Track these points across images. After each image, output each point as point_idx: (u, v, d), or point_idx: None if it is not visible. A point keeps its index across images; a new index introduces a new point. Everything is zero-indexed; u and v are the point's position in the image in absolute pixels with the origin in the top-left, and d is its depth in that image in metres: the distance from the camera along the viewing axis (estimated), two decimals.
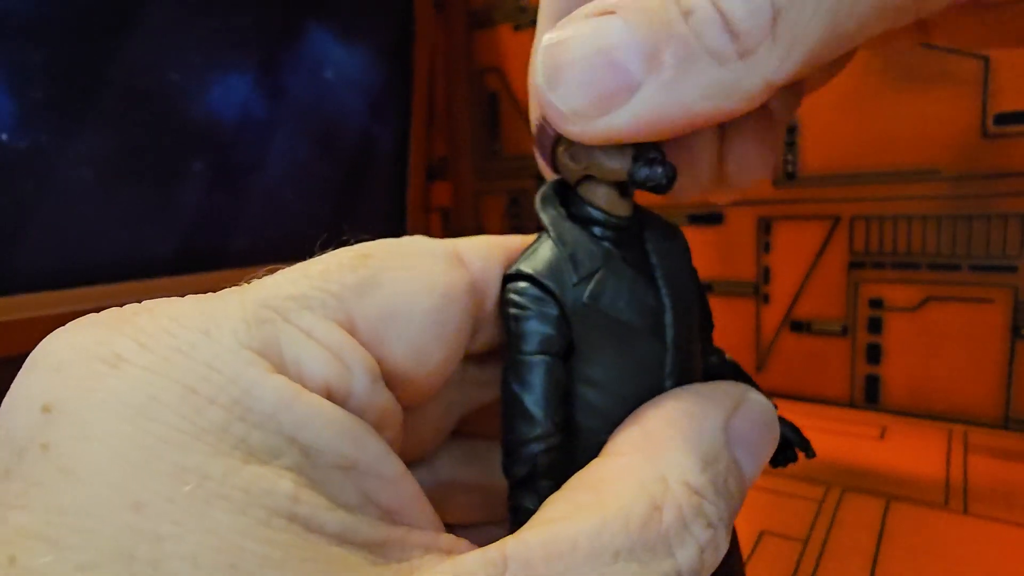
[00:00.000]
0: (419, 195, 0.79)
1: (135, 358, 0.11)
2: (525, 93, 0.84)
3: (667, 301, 0.15)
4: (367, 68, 0.70)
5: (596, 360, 0.15)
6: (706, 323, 0.18)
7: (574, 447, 0.15)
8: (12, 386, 0.11)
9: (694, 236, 0.56)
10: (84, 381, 0.10)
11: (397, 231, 0.78)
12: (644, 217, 0.16)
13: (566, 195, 0.17)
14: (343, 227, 0.73)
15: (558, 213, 0.16)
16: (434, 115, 0.83)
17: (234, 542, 0.09)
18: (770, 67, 0.12)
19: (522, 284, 0.15)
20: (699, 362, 0.16)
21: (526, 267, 0.15)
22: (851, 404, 0.67)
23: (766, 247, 0.61)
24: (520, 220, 0.89)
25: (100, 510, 0.09)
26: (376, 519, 0.11)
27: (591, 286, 0.15)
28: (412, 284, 0.14)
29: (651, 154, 0.14)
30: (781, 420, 0.17)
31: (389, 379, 0.14)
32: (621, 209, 0.16)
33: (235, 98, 0.57)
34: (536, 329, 0.15)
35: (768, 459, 0.16)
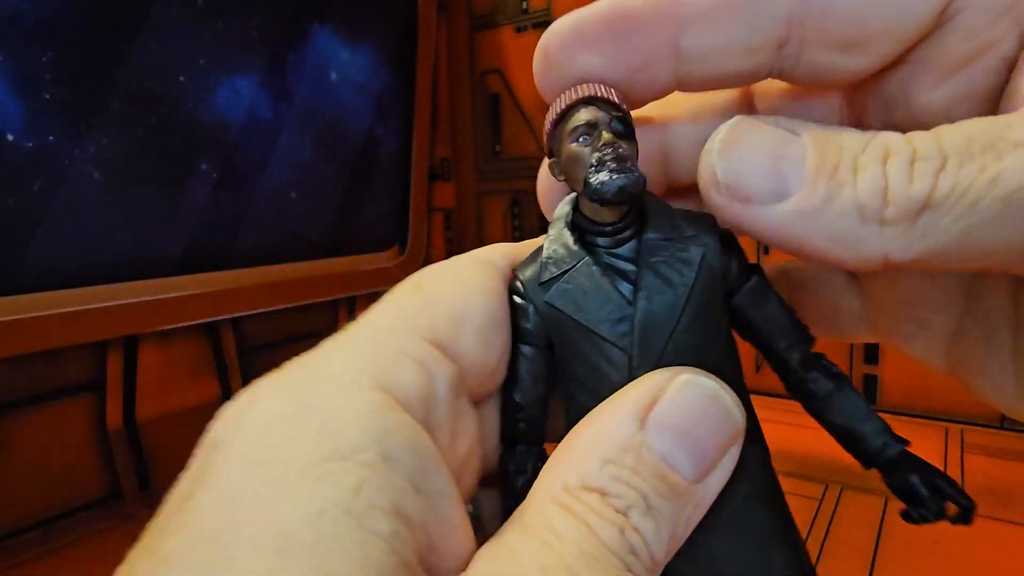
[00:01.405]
0: (422, 196, 0.79)
1: (268, 392, 0.13)
2: (526, 95, 0.84)
3: (639, 305, 0.15)
4: (371, 71, 0.71)
5: (572, 358, 0.16)
6: (767, 328, 0.17)
7: (567, 429, 0.16)
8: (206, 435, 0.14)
9: None
10: (235, 421, 0.13)
11: (400, 231, 0.79)
12: (655, 219, 0.16)
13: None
14: (347, 227, 0.73)
15: (562, 220, 0.17)
16: (437, 117, 0.84)
17: (287, 528, 0.11)
18: (896, 244, 0.13)
19: (513, 283, 0.16)
20: (710, 368, 0.16)
21: (517, 269, 0.17)
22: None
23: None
24: (521, 220, 0.90)
25: (212, 506, 0.11)
26: (423, 545, 0.12)
27: (553, 287, 0.16)
28: (464, 289, 0.16)
29: (604, 165, 0.15)
30: (925, 469, 0.16)
31: (469, 373, 0.15)
32: (604, 215, 0.16)
33: (241, 100, 0.57)
34: (519, 323, 0.16)
35: (725, 440, 0.15)
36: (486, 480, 0.17)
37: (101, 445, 0.52)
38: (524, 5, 0.78)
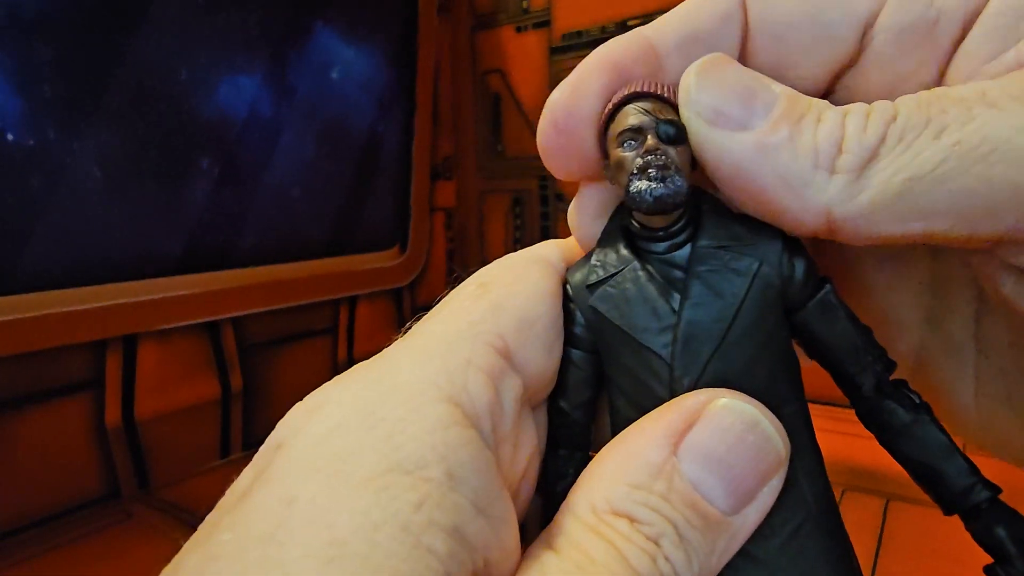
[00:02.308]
0: (423, 194, 0.79)
1: (335, 397, 0.13)
2: (528, 95, 0.84)
3: (685, 314, 0.15)
4: (373, 69, 0.70)
5: (616, 365, 0.16)
6: (836, 345, 0.16)
7: (610, 437, 0.15)
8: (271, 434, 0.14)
9: None
10: (300, 424, 0.13)
11: (401, 230, 0.79)
12: (708, 226, 0.16)
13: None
14: (348, 226, 0.73)
15: (618, 224, 0.17)
16: (438, 116, 0.84)
17: (341, 537, 0.11)
18: (840, 196, 0.13)
19: (565, 285, 0.16)
20: (757, 385, 0.15)
21: (569, 271, 0.17)
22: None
23: None
24: (523, 220, 0.89)
25: (267, 506, 0.11)
26: (479, 569, 0.12)
27: (598, 291, 0.16)
28: (529, 294, 0.16)
29: (645, 172, 0.15)
30: (1015, 521, 0.14)
31: (529, 380, 0.15)
32: (653, 221, 0.15)
33: (243, 97, 0.57)
34: (567, 325, 0.16)
35: (764, 469, 0.14)
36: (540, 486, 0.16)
37: (100, 444, 0.52)
38: (525, 5, 0.78)
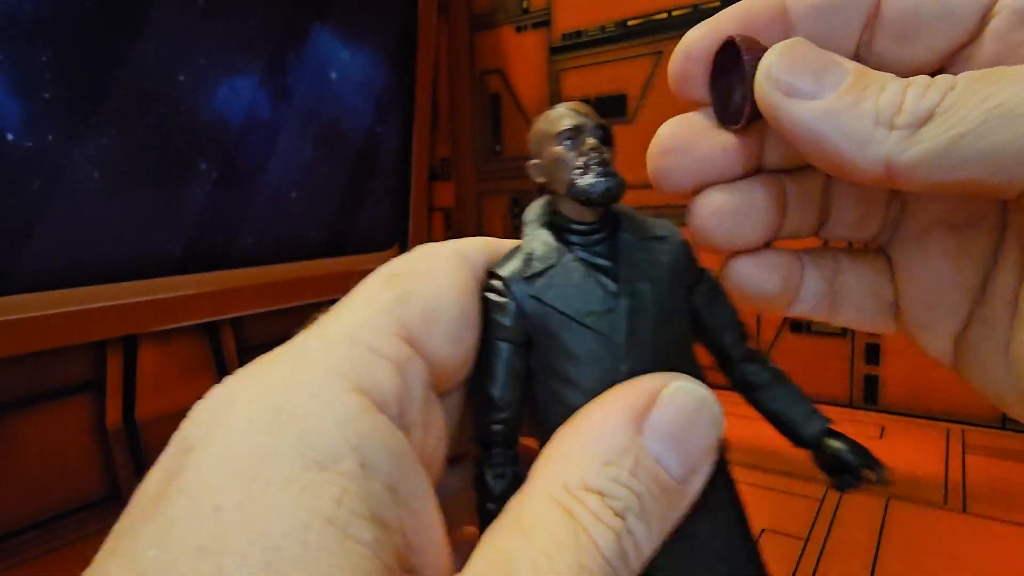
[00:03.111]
0: (422, 195, 0.79)
1: (243, 394, 0.13)
2: (527, 95, 0.85)
3: (623, 299, 0.16)
4: (371, 70, 0.70)
5: (557, 351, 0.16)
6: (716, 324, 0.18)
7: (547, 430, 0.16)
8: (175, 433, 0.14)
9: None
10: (209, 423, 0.13)
11: (400, 231, 0.79)
12: (626, 221, 0.17)
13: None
14: (346, 227, 0.73)
15: (538, 220, 0.18)
16: (437, 116, 0.84)
17: (275, 542, 0.11)
18: (897, 147, 0.15)
19: (491, 281, 0.17)
20: (679, 358, 0.17)
21: (496, 267, 0.17)
22: (850, 404, 0.68)
23: None
24: (521, 220, 0.89)
25: (193, 516, 0.11)
26: (401, 546, 0.13)
27: (538, 282, 0.16)
28: (438, 285, 0.16)
29: (590, 169, 0.16)
30: (843, 440, 0.17)
31: (435, 369, 0.16)
32: (585, 215, 0.17)
33: (241, 100, 0.57)
34: (498, 320, 0.16)
35: (710, 444, 0.15)
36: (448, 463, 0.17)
37: (100, 445, 0.52)
38: (524, 5, 0.78)
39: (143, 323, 0.51)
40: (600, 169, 0.16)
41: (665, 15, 0.66)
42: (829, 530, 0.41)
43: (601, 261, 0.17)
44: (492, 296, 0.17)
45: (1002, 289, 0.18)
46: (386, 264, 0.16)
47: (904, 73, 0.18)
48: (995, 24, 0.17)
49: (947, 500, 0.43)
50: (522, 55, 0.79)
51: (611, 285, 0.16)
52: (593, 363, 0.16)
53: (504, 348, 0.16)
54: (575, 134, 0.16)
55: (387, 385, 0.14)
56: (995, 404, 0.19)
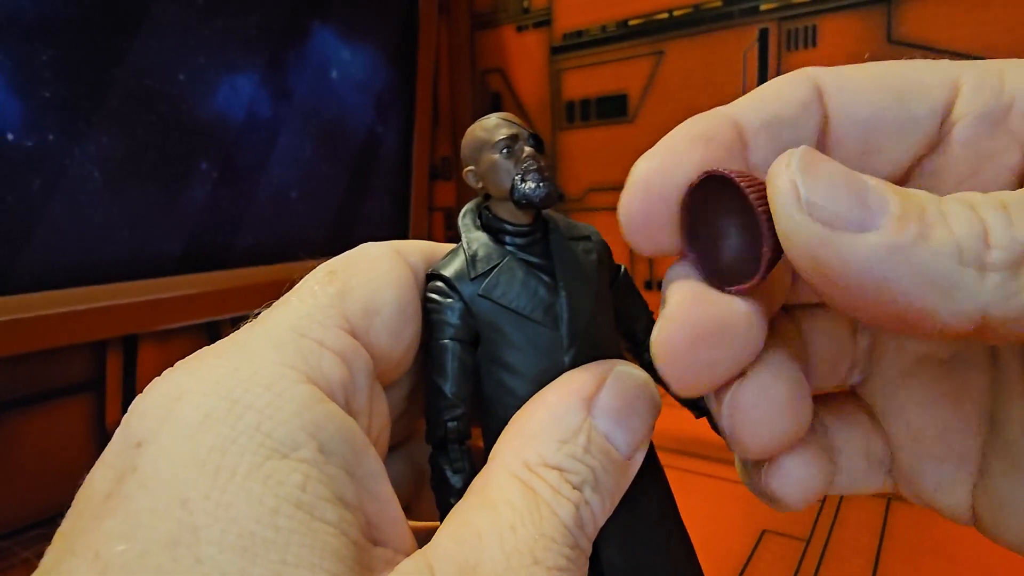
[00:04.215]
0: (423, 195, 0.79)
1: (195, 388, 0.13)
2: (527, 94, 0.84)
3: (562, 293, 0.17)
4: (372, 69, 0.70)
5: (504, 345, 0.17)
6: (631, 313, 0.20)
7: (494, 419, 0.17)
8: (117, 430, 0.14)
9: None
10: (161, 418, 0.13)
11: (401, 230, 0.79)
12: (553, 223, 0.19)
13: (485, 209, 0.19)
14: (347, 226, 0.73)
15: (472, 224, 0.19)
16: (438, 116, 0.84)
17: (248, 528, 0.11)
18: (998, 295, 0.12)
19: (434, 283, 0.18)
20: (609, 345, 0.18)
21: (438, 268, 0.18)
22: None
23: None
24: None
25: (160, 510, 0.11)
26: (363, 524, 0.13)
27: (486, 281, 0.17)
28: (377, 281, 0.17)
29: (529, 175, 0.17)
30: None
31: (377, 361, 0.16)
32: (522, 218, 0.18)
33: (241, 99, 0.57)
34: (445, 320, 0.17)
35: (649, 420, 0.17)
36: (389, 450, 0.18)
37: (101, 445, 0.52)
38: (525, 4, 0.78)
39: (143, 323, 0.51)
40: (539, 175, 0.17)
41: (666, 15, 0.66)
42: (830, 531, 0.41)
43: (538, 260, 0.18)
44: (436, 297, 0.18)
45: (1020, 415, 0.16)
46: (325, 263, 0.17)
47: None
48: (961, 132, 0.15)
49: None
50: (523, 54, 0.79)
51: (550, 281, 0.18)
52: (539, 354, 0.17)
53: (453, 346, 0.17)
54: (512, 143, 0.17)
55: (334, 375, 0.15)
56: None
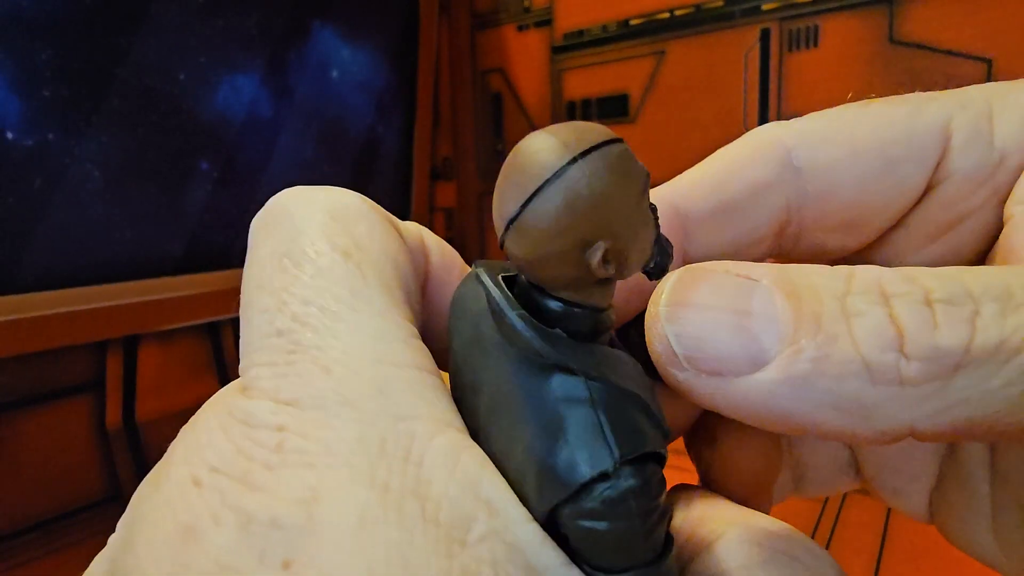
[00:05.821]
0: (423, 195, 0.79)
1: (327, 483, 0.10)
2: (528, 94, 0.84)
3: None
4: (372, 69, 0.70)
5: None
6: None
7: None
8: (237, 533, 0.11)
9: None
10: (302, 527, 0.10)
11: None
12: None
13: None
14: None
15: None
16: (438, 116, 0.84)
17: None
18: (925, 410, 0.10)
19: (654, 465, 0.16)
20: None
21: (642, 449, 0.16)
22: None
23: None
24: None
25: None
26: None
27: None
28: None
29: (661, 240, 0.13)
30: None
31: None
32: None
33: (242, 98, 0.57)
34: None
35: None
36: None
37: (101, 446, 0.52)
38: (526, 4, 0.78)
39: (144, 323, 0.51)
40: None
41: (667, 15, 0.66)
42: (832, 532, 0.41)
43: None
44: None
45: (973, 459, 0.17)
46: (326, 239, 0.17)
47: (839, 256, 0.16)
48: (946, 191, 0.15)
49: None
50: (524, 54, 0.79)
51: None
52: None
53: None
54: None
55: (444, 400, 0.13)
56: (978, 559, 0.17)
